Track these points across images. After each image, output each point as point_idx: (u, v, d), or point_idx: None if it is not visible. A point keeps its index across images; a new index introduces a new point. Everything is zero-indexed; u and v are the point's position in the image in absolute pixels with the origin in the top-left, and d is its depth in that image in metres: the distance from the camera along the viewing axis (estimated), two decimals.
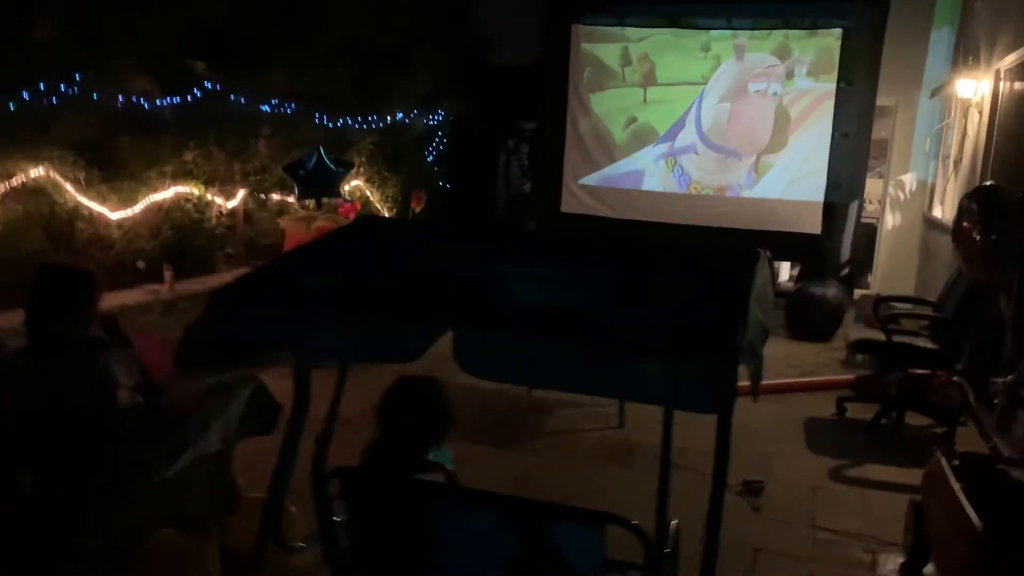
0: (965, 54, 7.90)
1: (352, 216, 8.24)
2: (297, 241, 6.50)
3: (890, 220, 10.86)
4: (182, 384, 3.00)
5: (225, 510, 3.05)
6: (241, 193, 7.31)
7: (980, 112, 7.22)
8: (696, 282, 2.35)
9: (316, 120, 8.04)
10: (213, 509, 2.97)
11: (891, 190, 10.83)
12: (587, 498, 3.26)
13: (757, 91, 9.33)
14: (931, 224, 9.70)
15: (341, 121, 8.41)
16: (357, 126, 8.65)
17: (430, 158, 10.99)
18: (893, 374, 6.14)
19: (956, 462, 3.44)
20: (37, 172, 5.26)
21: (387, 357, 2.12)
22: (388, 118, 9.15)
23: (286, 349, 2.49)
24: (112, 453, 2.51)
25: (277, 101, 7.43)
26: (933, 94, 10.03)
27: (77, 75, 5.25)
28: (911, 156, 10.58)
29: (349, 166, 7.48)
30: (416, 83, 9.42)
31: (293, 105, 7.63)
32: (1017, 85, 6.23)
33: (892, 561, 3.82)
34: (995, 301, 5.44)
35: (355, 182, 9.02)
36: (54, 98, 5.17)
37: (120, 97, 5.67)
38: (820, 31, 9.16)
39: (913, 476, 4.80)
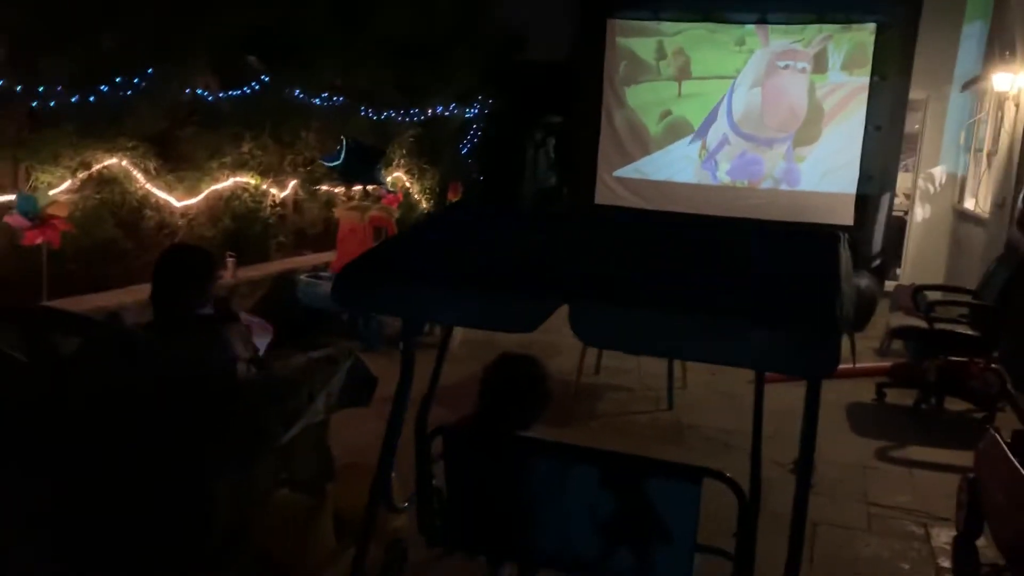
0: (1001, 48, 8.01)
1: (395, 206, 8.47)
2: (351, 229, 6.71)
3: (919, 212, 10.97)
4: (287, 358, 3.19)
5: (327, 476, 3.26)
6: (292, 184, 7.53)
7: (1017, 105, 7.34)
8: (787, 258, 2.53)
9: (362, 113, 8.25)
10: (318, 474, 3.18)
11: (921, 183, 10.94)
12: None
13: (786, 67, 9.47)
14: (962, 216, 9.82)
15: (385, 115, 8.61)
16: (400, 119, 8.86)
17: (464, 151, 11.20)
18: (930, 361, 6.32)
19: (1009, 439, 3.61)
20: (111, 162, 5.49)
21: (510, 327, 2.31)
22: (428, 112, 9.36)
23: (422, 318, 2.69)
24: (240, 420, 2.72)
25: (327, 95, 7.64)
26: (964, 88, 10.14)
27: (149, 71, 5.46)
28: (941, 149, 10.68)
29: (381, 152, 7.63)
30: (453, 78, 9.62)
31: (341, 99, 7.84)
32: None
33: (945, 534, 3.99)
34: None
35: (396, 173, 9.23)
36: (128, 91, 5.39)
37: (187, 91, 5.88)
38: (854, 26, 9.28)
39: (956, 457, 5.02)
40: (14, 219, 4.72)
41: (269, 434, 2.83)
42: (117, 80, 5.26)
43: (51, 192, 4.98)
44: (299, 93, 7.21)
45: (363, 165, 6.83)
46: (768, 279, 2.30)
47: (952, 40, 10.08)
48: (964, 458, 4.94)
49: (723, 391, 6.06)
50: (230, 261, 6.23)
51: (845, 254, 2.51)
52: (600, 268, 2.36)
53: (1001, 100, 7.98)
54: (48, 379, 2.76)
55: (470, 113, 10.55)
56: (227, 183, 6.58)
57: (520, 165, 13.19)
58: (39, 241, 4.79)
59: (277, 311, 6.49)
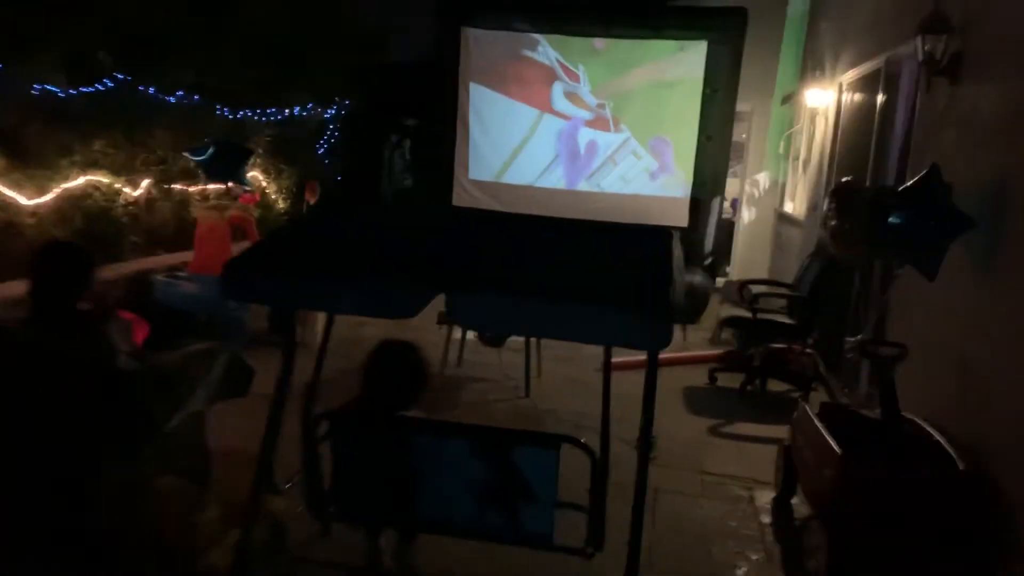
0: (812, 67, 8.95)
1: (253, 204, 8.46)
2: (210, 228, 6.70)
3: (746, 215, 11.98)
4: (167, 351, 3.31)
5: (205, 463, 3.41)
6: (144, 183, 7.41)
7: (826, 118, 8.25)
8: (628, 251, 2.93)
9: (217, 112, 8.20)
10: (197, 461, 3.32)
11: (747, 188, 11.96)
12: None
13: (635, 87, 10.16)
14: (782, 218, 10.85)
15: (241, 113, 8.59)
16: (257, 118, 8.85)
17: (321, 152, 11.24)
18: (756, 348, 7.06)
19: (817, 410, 4.21)
20: None
21: (392, 313, 2.58)
22: (286, 111, 9.38)
23: (304, 307, 2.89)
24: (123, 408, 2.85)
25: (182, 93, 7.57)
26: (783, 102, 11.21)
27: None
28: (764, 157, 11.73)
29: (249, 152, 7.66)
30: (313, 79, 9.68)
31: (196, 98, 7.77)
32: (856, 96, 7.24)
33: (766, 496, 4.57)
34: (842, 282, 6.39)
35: (252, 173, 9.19)
36: None
37: (35, 87, 5.73)
38: (688, 43, 10.06)
39: (778, 431, 5.67)
40: None
41: (154, 422, 2.97)
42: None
43: None
44: (153, 91, 7.10)
45: (229, 163, 6.83)
46: (614, 269, 2.69)
47: (773, 58, 11.12)
48: (784, 432, 5.64)
49: (573, 379, 6.53)
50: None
51: (676, 248, 2.94)
52: (471, 260, 2.67)
53: (813, 114, 8.91)
54: None
55: (328, 114, 10.61)
56: (78, 182, 6.43)
57: (377, 166, 13.33)
58: None
59: (135, 311, 6.41)
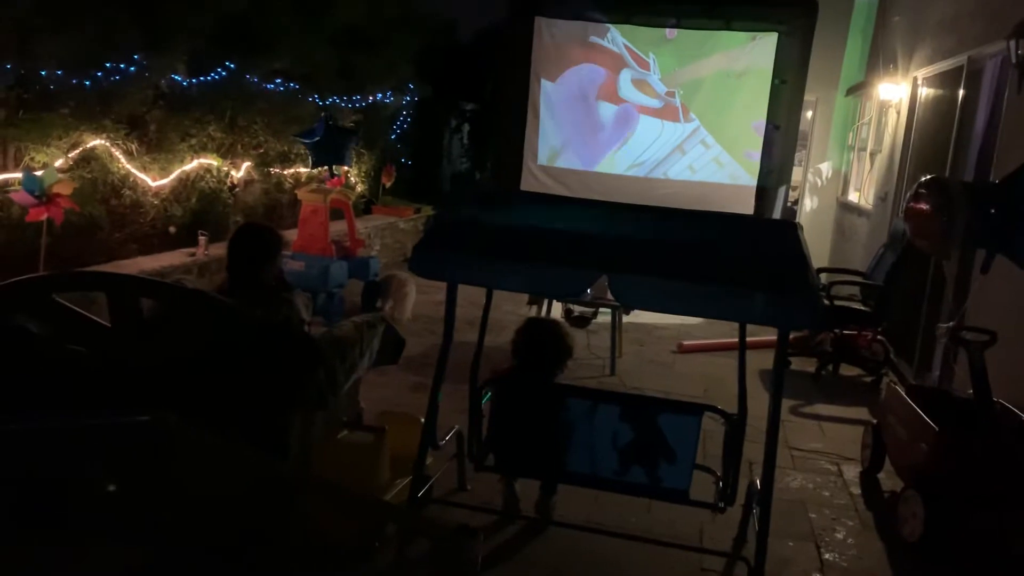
0: (884, 60, 9.12)
1: (339, 187, 8.89)
2: (313, 211, 7.13)
3: (808, 203, 12.18)
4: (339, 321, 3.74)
5: (359, 420, 3.82)
6: (245, 165, 7.85)
7: (898, 112, 8.44)
8: (764, 239, 3.26)
9: (309, 100, 8.62)
10: (354, 420, 3.74)
11: (809, 177, 12.15)
12: None
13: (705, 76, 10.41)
14: (846, 207, 11.04)
15: (329, 100, 9.00)
16: (343, 104, 9.26)
17: (393, 136, 11.64)
18: (825, 334, 7.36)
19: (906, 391, 4.52)
20: (96, 143, 5.75)
21: (561, 293, 2.95)
22: (370, 98, 9.78)
23: (482, 285, 3.27)
24: (314, 371, 3.25)
25: (280, 81, 7.98)
26: (848, 92, 11.36)
27: (135, 57, 5.75)
28: (828, 147, 11.90)
29: (354, 133, 8.01)
30: (389, 66, 10.06)
31: (293, 85, 8.19)
32: (933, 91, 7.44)
33: (851, 470, 4.89)
34: (916, 271, 6.65)
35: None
36: (116, 77, 5.67)
37: (165, 78, 6.17)
38: (759, 34, 10.28)
39: (853, 412, 6.01)
40: (20, 196, 4.97)
41: (336, 384, 3.38)
42: (107, 66, 5.53)
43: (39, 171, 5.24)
44: (256, 79, 7.53)
45: (336, 145, 7.23)
46: (755, 255, 3.03)
47: (838, 49, 11.27)
48: (859, 413, 5.97)
49: (651, 359, 6.89)
50: (203, 239, 6.57)
51: (803, 236, 3.27)
52: (626, 245, 3.01)
53: (883, 106, 9.10)
54: (138, 339, 3.21)
55: (405, 99, 11.00)
56: (193, 164, 6.88)
57: (438, 150, 13.74)
58: (43, 218, 5.05)
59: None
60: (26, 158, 5.27)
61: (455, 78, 12.27)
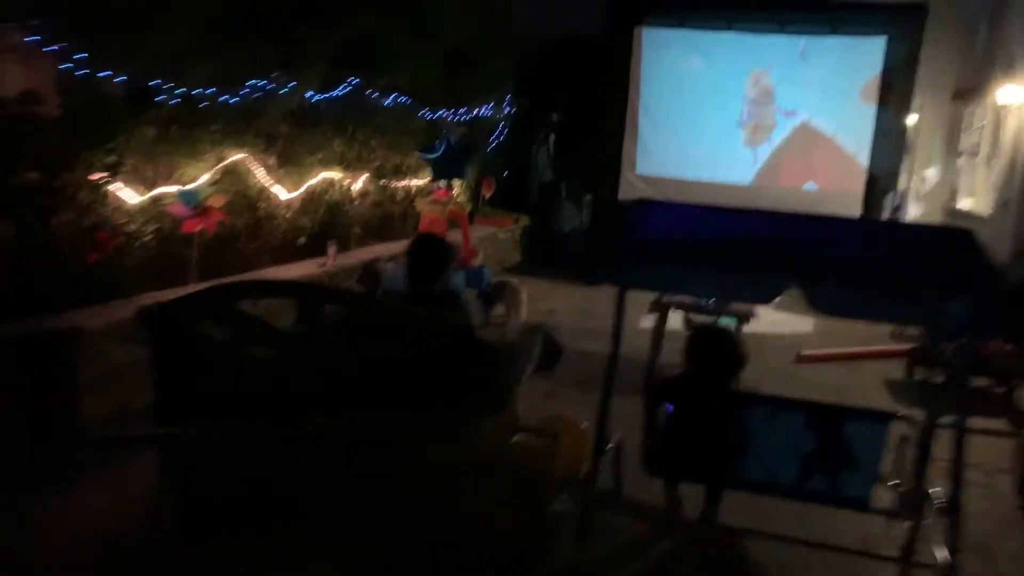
0: (1001, 65, 8.85)
1: (445, 198, 9.07)
2: (432, 221, 7.29)
3: (912, 211, 11.87)
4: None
5: (518, 422, 3.89)
6: (363, 178, 8.06)
7: (1020, 117, 8.19)
8: (937, 246, 3.21)
9: (419, 115, 8.81)
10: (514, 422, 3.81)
11: (914, 183, 11.86)
12: None
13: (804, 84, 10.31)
14: (955, 215, 10.73)
15: (437, 115, 9.18)
16: (450, 119, 9.43)
17: (489, 149, 11.79)
18: (947, 344, 7.15)
19: None
20: (238, 157, 5.99)
21: (755, 299, 2.96)
22: (474, 112, 9.94)
23: (680, 292, 3.31)
24: (494, 375, 3.33)
25: (394, 96, 8.18)
26: (955, 97, 11.08)
27: (274, 75, 5.98)
28: (934, 153, 11.59)
29: (473, 150, 8.18)
30: (492, 80, 10.21)
31: (405, 100, 8.38)
32: None
33: (1003, 480, 4.76)
34: None
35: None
36: (257, 95, 5.90)
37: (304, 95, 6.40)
38: (865, 38, 10.11)
39: (990, 423, 5.82)
40: (177, 208, 5.22)
41: (510, 389, 3.46)
42: (254, 83, 5.77)
43: (192, 184, 5.48)
44: (374, 95, 7.73)
45: (455, 161, 7.41)
46: (937, 263, 2.99)
47: (945, 52, 10.97)
48: (997, 424, 5.79)
49: (771, 369, 6.83)
50: (331, 249, 6.76)
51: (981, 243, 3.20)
52: (813, 255, 3.01)
53: (1002, 111, 8.83)
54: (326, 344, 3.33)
55: (503, 112, 11.14)
56: (319, 178, 7.10)
57: (527, 161, 13.84)
58: (197, 229, 5.29)
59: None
60: (177, 172, 5.51)
61: (550, 90, 12.35)
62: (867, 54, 10.14)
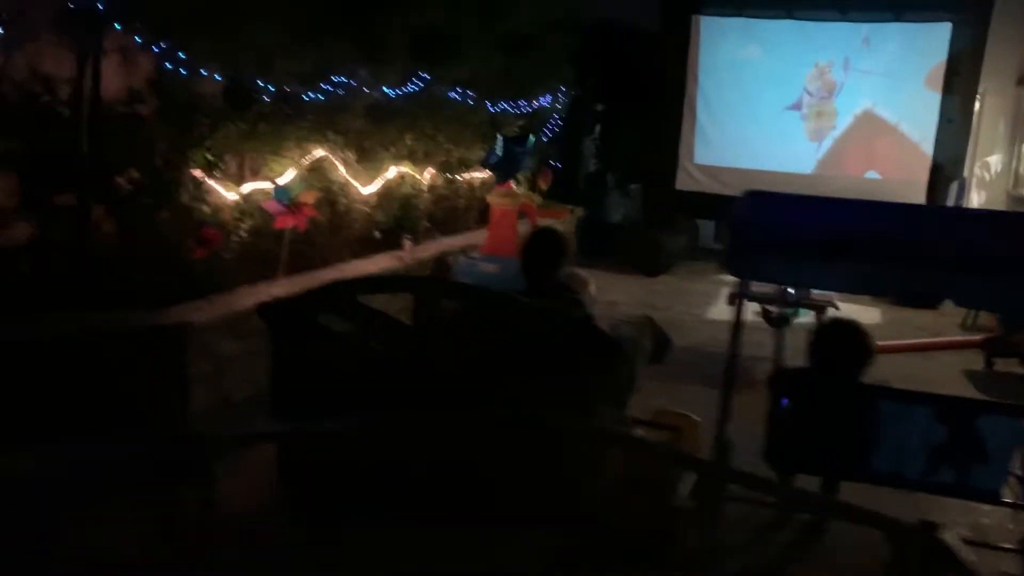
0: None
1: (512, 191, 9.11)
2: (503, 215, 7.33)
3: (975, 198, 11.67)
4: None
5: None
6: (430, 172, 8.11)
7: None
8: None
9: (482, 107, 8.83)
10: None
11: (976, 170, 11.65)
12: None
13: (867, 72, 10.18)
14: (1019, 201, 10.56)
15: (499, 107, 9.19)
16: (511, 111, 9.45)
17: (545, 140, 11.78)
18: (1019, 334, 7.06)
19: None
20: (321, 154, 6.06)
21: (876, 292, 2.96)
22: (534, 103, 9.94)
23: (804, 286, 3.32)
24: (619, 369, 3.36)
25: (459, 90, 8.20)
26: (1020, 83, 10.87)
27: (357, 72, 6.03)
28: (997, 139, 11.38)
29: (524, 137, 8.20)
30: (551, 70, 10.19)
31: (469, 93, 8.40)
32: None
33: None
34: None
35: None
36: (341, 91, 5.96)
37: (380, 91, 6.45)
38: (930, 24, 9.96)
39: None
40: (271, 205, 5.30)
41: (632, 382, 3.48)
42: (338, 80, 5.83)
43: (284, 181, 5.56)
44: (442, 89, 7.77)
45: (512, 160, 7.46)
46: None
47: (1011, 36, 10.76)
48: None
49: None
50: (408, 242, 6.83)
51: None
52: (941, 250, 2.98)
53: None
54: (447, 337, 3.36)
55: (561, 103, 11.13)
56: (393, 172, 7.15)
57: (577, 152, 13.83)
58: (290, 226, 5.37)
59: None
60: (264, 169, 5.59)
61: (600, 79, 12.31)
62: (932, 40, 9.98)
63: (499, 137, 7.67)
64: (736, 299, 6.89)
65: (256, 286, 5.30)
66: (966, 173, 11.93)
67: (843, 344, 3.45)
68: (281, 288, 5.36)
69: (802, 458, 3.41)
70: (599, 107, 13.52)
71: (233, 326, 4.75)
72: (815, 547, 3.66)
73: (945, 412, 3.15)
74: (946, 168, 10.28)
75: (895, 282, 2.85)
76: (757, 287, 7.09)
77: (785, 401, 3.40)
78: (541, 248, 3.60)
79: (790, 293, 6.76)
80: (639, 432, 3.58)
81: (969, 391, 6.32)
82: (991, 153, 11.50)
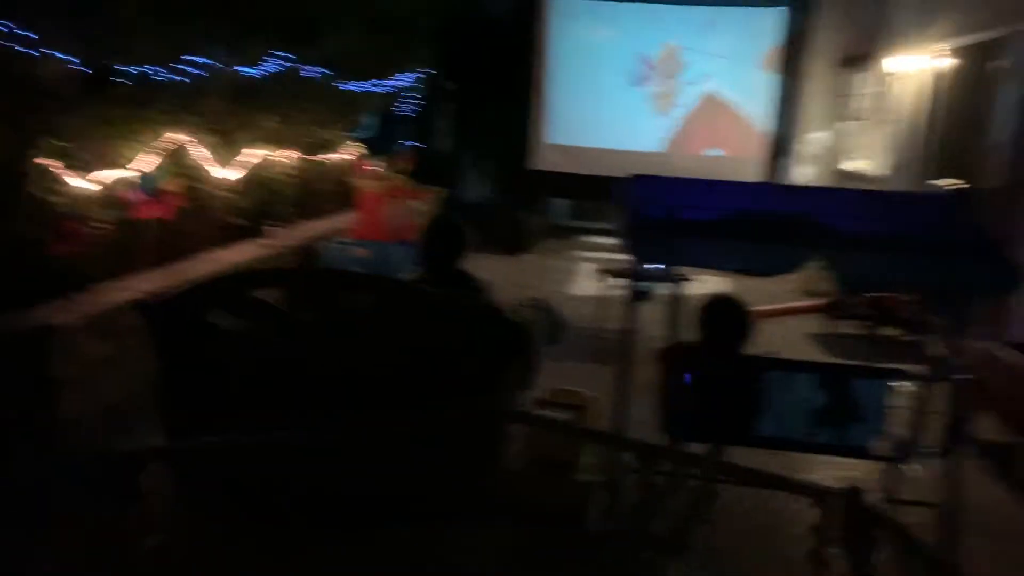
0: (893, 34, 9.45)
1: (376, 173, 8.97)
2: (373, 198, 7.22)
3: (803, 173, 12.55)
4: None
5: None
6: (294, 155, 7.86)
7: (916, 84, 8.82)
8: (929, 212, 3.52)
9: (343, 87, 8.63)
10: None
11: (802, 146, 12.54)
12: None
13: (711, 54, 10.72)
14: (848, 176, 11.46)
15: (359, 86, 9.01)
16: (372, 89, 9.29)
17: (405, 119, 11.65)
18: (858, 297, 7.72)
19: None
20: (177, 138, 5.74)
21: (774, 272, 3.18)
22: (392, 82, 9.81)
23: (701, 266, 3.47)
24: (526, 351, 3.42)
25: (320, 69, 7.98)
26: (842, 64, 11.77)
27: (217, 52, 5.75)
28: (821, 117, 12.28)
29: (401, 122, 8.03)
30: (410, 48, 10.07)
31: (328, 72, 8.19)
32: (966, 62, 7.84)
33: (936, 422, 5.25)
34: None
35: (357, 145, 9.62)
36: (200, 72, 5.67)
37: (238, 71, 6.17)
38: (767, 9, 10.61)
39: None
40: (136, 194, 4.98)
41: (536, 364, 3.56)
42: (199, 61, 5.53)
43: (143, 168, 5.24)
44: (302, 68, 7.53)
45: (387, 134, 7.33)
46: (941, 226, 3.28)
47: (835, 24, 11.60)
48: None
49: None
50: (276, 230, 6.61)
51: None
52: (827, 224, 3.23)
53: (894, 77, 9.43)
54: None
55: (414, 82, 11.02)
56: (254, 156, 6.89)
57: (434, 132, 13.77)
58: (156, 215, 5.07)
59: None
60: (122, 157, 5.25)
61: (454, 59, 12.25)
62: (768, 24, 10.63)
63: (371, 113, 7.53)
64: (609, 276, 7.18)
65: (122, 280, 4.99)
66: (795, 149, 12.84)
67: (727, 319, 3.66)
68: (149, 282, 5.07)
69: (698, 427, 3.60)
70: (448, 85, 13.48)
71: (101, 326, 4.46)
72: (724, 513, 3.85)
73: (825, 378, 3.42)
74: (781, 145, 11.03)
75: (796, 259, 3.03)
76: (621, 263, 7.42)
77: (689, 378, 3.59)
78: (443, 236, 3.60)
79: (654, 268, 7.10)
80: (548, 413, 3.66)
81: (815, 352, 6.86)
82: (816, 130, 12.40)
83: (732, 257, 3.13)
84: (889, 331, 7.60)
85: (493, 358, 3.31)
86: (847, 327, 7.63)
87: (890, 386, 3.40)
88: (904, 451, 3.57)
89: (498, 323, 3.34)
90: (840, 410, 3.44)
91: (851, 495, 2.03)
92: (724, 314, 3.68)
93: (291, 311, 3.52)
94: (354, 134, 7.61)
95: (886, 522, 1.92)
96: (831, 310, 8.05)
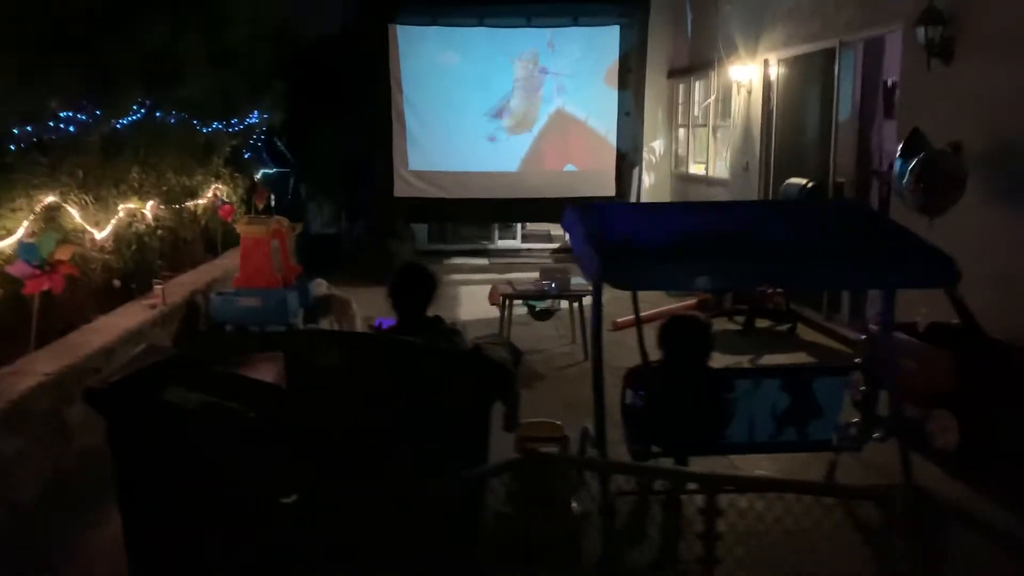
0: (725, 46, 10.14)
1: (231, 216, 8.56)
2: (254, 243, 6.89)
3: (647, 179, 13.22)
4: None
5: None
6: (149, 204, 7.37)
7: (750, 92, 9.53)
8: (853, 219, 3.84)
9: (199, 129, 8.23)
10: None
11: (645, 154, 13.22)
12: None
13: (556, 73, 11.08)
14: (688, 179, 12.19)
15: (212, 127, 8.62)
16: (225, 130, 8.90)
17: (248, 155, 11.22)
18: (727, 295, 8.24)
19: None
20: (52, 200, 5.27)
21: (740, 285, 3.36)
22: (244, 121, 9.44)
23: (673, 289, 3.57)
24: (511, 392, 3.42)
25: (176, 113, 7.58)
26: (669, 76, 12.52)
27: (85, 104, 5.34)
28: (657, 126, 12.98)
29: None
30: (262, 84, 9.75)
31: (184, 116, 7.78)
32: (795, 71, 8.56)
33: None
34: None
35: (216, 185, 9.17)
36: (71, 127, 5.24)
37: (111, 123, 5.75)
38: (602, 27, 11.09)
39: (790, 358, 6.79)
40: (18, 268, 4.50)
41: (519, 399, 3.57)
42: (65, 115, 5.11)
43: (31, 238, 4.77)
44: (159, 114, 7.13)
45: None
46: (868, 233, 3.59)
47: (664, 39, 12.32)
48: (796, 358, 6.75)
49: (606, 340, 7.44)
50: (159, 287, 6.18)
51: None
52: (780, 241, 3.44)
53: (731, 86, 10.12)
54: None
55: (265, 117, 10.65)
56: (123, 211, 6.43)
57: (283, 167, 13.32)
58: (45, 288, 4.61)
59: (186, 330, 6.54)
60: None
61: (299, 89, 11.92)
62: (606, 42, 11.12)
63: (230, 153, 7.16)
64: (502, 299, 7.24)
65: (13, 364, 4.51)
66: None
67: (689, 338, 3.81)
68: (41, 363, 4.61)
69: (667, 442, 3.73)
70: (283, 117, 13.10)
71: (4, 419, 4.01)
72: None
73: (787, 381, 3.65)
74: (628, 156, 11.56)
75: (754, 275, 3.21)
76: (520, 285, 7.52)
77: (641, 393, 3.71)
78: (412, 283, 3.52)
79: (551, 287, 7.25)
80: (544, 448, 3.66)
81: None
82: (655, 139, 13.11)
83: (701, 277, 3.26)
84: (762, 323, 8.16)
85: (486, 400, 3.30)
86: (721, 323, 8.09)
87: (845, 381, 3.67)
88: (858, 440, 3.86)
89: (484, 365, 3.33)
90: (802, 409, 3.67)
91: (914, 494, 2.19)
92: (684, 334, 3.83)
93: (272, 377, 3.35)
94: (215, 177, 7.21)
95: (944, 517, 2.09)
96: (703, 309, 8.52)
